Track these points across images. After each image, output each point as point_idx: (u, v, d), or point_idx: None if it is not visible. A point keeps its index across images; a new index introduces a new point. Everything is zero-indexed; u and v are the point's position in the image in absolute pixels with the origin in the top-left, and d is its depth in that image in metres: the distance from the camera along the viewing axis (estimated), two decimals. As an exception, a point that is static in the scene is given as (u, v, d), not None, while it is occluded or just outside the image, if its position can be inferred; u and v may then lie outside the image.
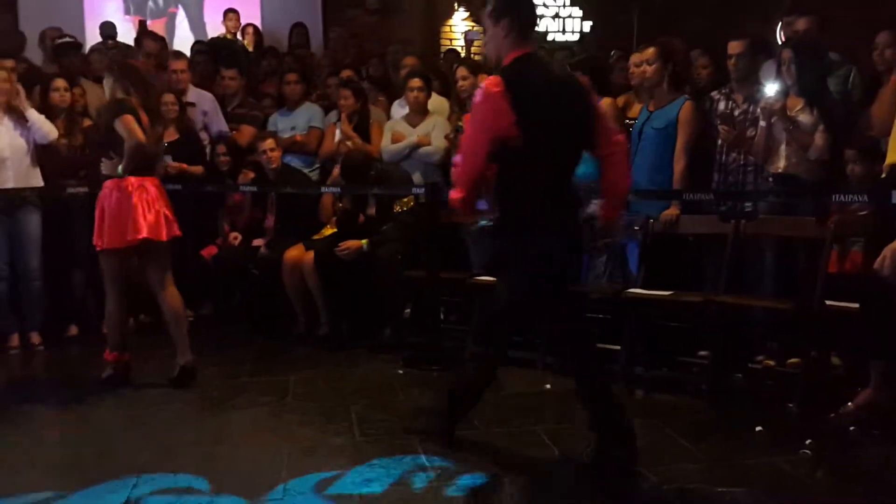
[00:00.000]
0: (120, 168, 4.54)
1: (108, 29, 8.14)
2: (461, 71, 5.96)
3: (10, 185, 5.40)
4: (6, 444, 3.93)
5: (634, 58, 5.12)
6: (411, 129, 5.92)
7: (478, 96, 3.40)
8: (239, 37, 8.46)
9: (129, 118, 4.50)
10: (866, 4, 6.33)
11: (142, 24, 8.83)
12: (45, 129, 5.49)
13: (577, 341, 3.55)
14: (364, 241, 5.44)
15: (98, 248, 4.62)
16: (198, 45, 7.96)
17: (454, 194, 3.48)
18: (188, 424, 4.13)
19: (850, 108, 4.85)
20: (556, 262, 3.47)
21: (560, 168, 3.48)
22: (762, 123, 4.66)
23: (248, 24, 8.75)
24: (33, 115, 5.47)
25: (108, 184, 4.60)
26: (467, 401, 3.77)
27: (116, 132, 4.53)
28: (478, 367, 3.78)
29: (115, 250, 4.56)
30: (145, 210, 4.53)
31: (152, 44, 7.18)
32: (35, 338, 5.58)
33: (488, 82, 3.39)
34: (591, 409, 3.52)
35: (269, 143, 5.91)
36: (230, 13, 8.59)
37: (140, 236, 4.50)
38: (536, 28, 3.61)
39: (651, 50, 5.00)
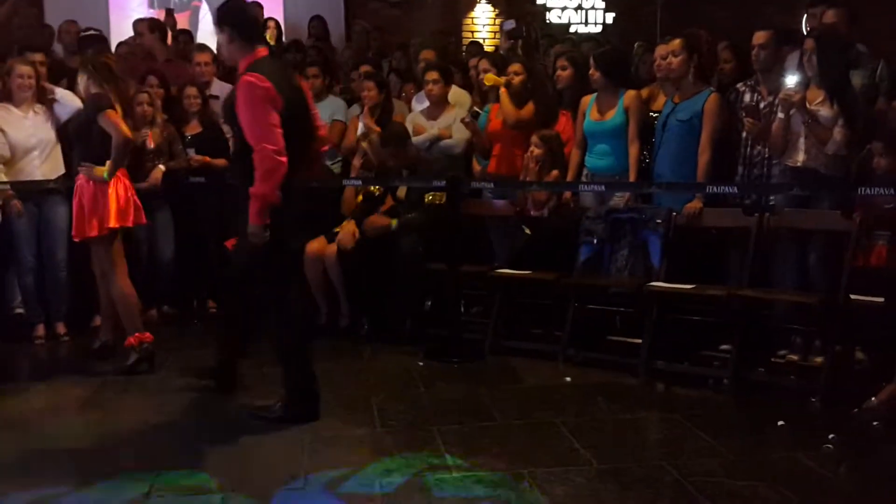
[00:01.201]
0: (105, 173, 4.68)
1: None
2: (484, 63, 5.95)
3: (37, 175, 5.46)
4: (31, 433, 3.98)
5: (660, 50, 5.09)
6: (431, 122, 5.92)
7: (248, 89, 3.77)
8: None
9: (113, 113, 4.64)
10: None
11: (168, 12, 8.86)
12: (68, 98, 5.58)
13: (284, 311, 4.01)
14: (393, 221, 5.42)
15: (77, 240, 4.86)
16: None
17: (266, 187, 3.75)
18: (210, 415, 4.17)
19: (875, 101, 4.79)
20: (282, 235, 3.90)
21: (294, 154, 3.85)
22: (780, 115, 4.61)
23: (270, 18, 8.77)
24: (58, 91, 5.59)
25: (82, 176, 4.77)
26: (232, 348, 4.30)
27: (94, 127, 4.68)
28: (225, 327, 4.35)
29: (100, 238, 4.73)
30: (120, 198, 4.74)
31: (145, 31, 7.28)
32: (61, 328, 5.63)
33: (252, 77, 3.79)
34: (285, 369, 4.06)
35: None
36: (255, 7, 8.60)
37: (111, 225, 4.70)
38: (260, 32, 4.17)
39: (677, 41, 4.96)
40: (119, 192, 4.77)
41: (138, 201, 4.93)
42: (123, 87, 4.95)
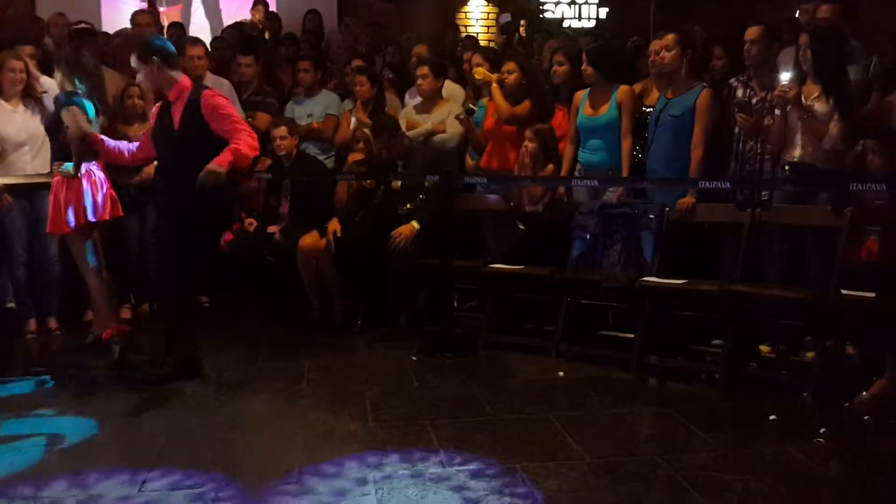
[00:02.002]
0: (72, 169, 4.86)
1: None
2: (477, 58, 5.95)
3: (28, 170, 5.44)
4: (23, 428, 3.96)
5: (654, 45, 5.09)
6: (425, 116, 5.92)
7: (218, 98, 4.54)
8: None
9: (75, 109, 4.82)
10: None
11: (151, 2, 8.83)
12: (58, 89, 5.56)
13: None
14: (414, 223, 5.40)
15: (52, 234, 5.08)
16: (225, 31, 8.00)
17: (249, 156, 4.53)
18: (204, 409, 4.17)
19: (868, 97, 4.80)
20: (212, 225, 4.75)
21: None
22: (777, 112, 4.62)
23: (271, 13, 8.76)
24: (46, 81, 5.56)
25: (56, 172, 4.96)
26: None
27: (62, 123, 4.87)
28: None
29: (76, 232, 4.90)
30: (95, 193, 4.92)
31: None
32: (52, 323, 5.62)
33: (211, 90, 4.64)
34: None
35: (282, 130, 5.89)
36: (258, 4, 8.60)
37: (85, 220, 4.87)
38: (178, 58, 4.69)
39: (670, 36, 4.97)
40: (94, 186, 4.91)
41: (114, 195, 5.07)
42: (97, 84, 5.05)
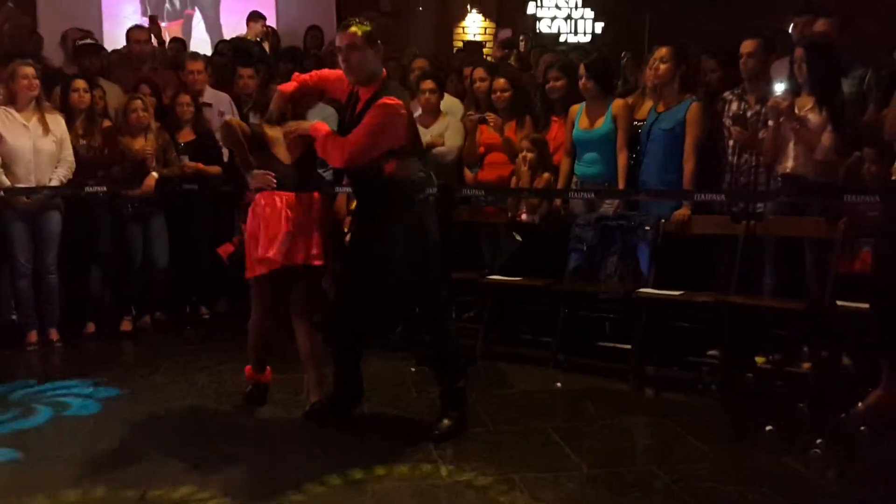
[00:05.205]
0: None
1: None
2: (479, 72, 5.99)
3: (32, 182, 5.45)
4: (26, 437, 3.98)
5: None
6: (424, 130, 5.95)
7: (392, 108, 3.78)
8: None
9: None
10: (885, 6, 6.33)
11: (152, 20, 8.85)
12: (65, 172, 5.60)
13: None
14: None
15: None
16: (220, 45, 8.03)
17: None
18: (204, 419, 4.19)
19: (864, 108, 4.84)
20: None
21: None
22: (770, 123, 4.67)
23: (268, 27, 8.81)
24: (67, 154, 5.60)
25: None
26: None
27: None
28: None
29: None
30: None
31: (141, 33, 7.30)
32: (53, 334, 5.63)
33: (396, 102, 3.80)
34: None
35: (285, 142, 5.93)
36: (256, 18, 8.65)
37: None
38: None
39: (664, 49, 5.02)
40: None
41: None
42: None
